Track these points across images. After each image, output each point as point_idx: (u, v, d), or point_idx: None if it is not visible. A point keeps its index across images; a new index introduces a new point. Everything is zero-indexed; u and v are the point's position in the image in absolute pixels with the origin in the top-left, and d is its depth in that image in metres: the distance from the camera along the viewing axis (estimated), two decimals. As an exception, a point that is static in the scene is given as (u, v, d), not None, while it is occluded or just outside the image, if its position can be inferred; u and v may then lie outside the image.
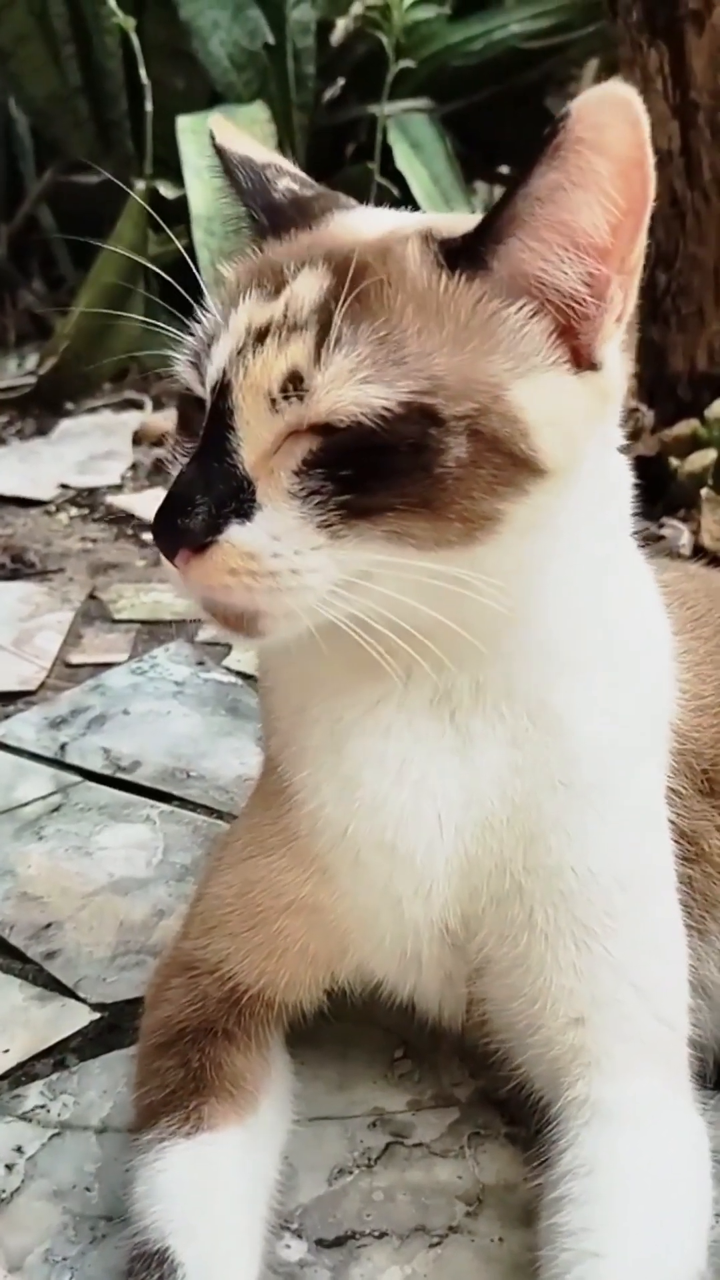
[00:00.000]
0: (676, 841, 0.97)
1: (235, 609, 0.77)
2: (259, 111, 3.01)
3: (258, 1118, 0.93)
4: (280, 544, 0.75)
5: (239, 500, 0.75)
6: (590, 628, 0.88)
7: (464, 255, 0.78)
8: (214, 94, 3.24)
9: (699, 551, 2.12)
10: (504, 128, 3.56)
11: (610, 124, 0.72)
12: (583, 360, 0.79)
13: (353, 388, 0.74)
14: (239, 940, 0.96)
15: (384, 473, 0.74)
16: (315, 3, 3.33)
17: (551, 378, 0.78)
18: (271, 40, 3.21)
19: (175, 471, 0.81)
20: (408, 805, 0.88)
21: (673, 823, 0.97)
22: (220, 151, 0.91)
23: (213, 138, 0.91)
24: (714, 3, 2.15)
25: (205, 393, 0.79)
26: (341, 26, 3.49)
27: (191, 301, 0.86)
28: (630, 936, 0.90)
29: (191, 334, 0.83)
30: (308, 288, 0.77)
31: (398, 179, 3.13)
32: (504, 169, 3.87)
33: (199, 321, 0.83)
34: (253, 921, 0.95)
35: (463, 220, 0.84)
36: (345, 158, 3.60)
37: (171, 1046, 0.95)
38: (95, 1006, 1.17)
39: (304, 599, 0.76)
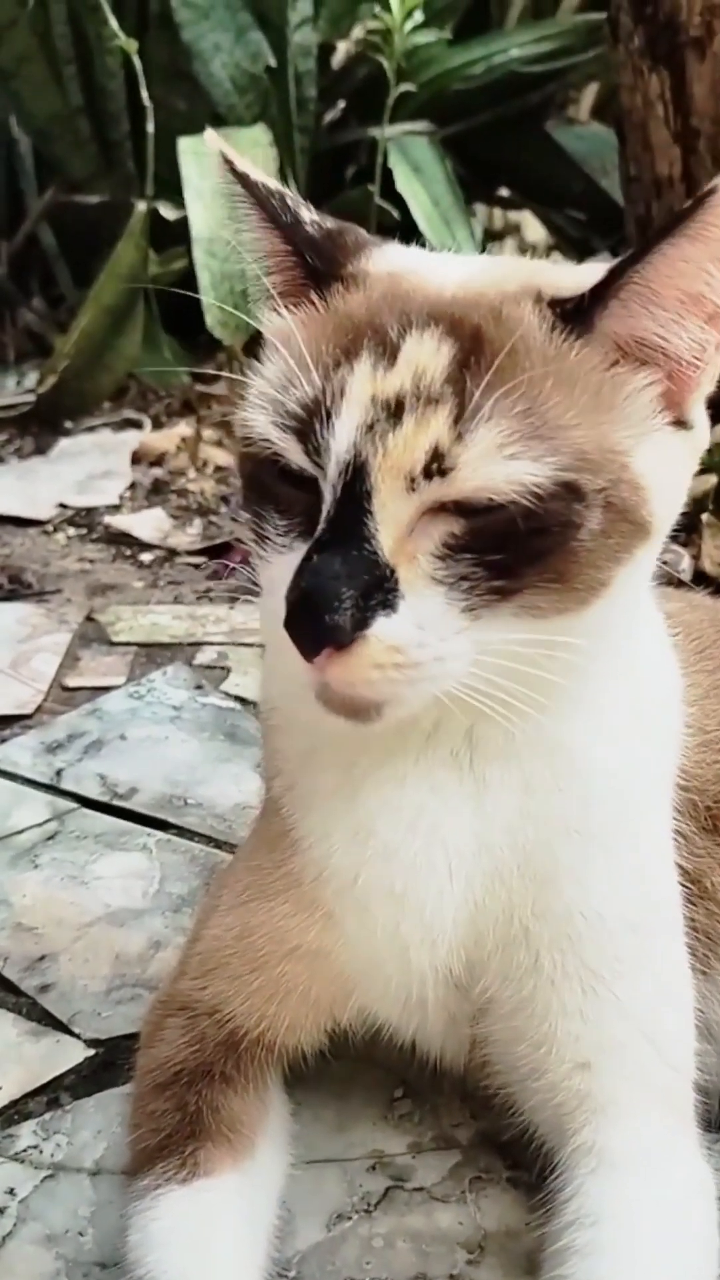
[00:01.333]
0: (680, 881, 0.96)
1: (366, 700, 0.75)
2: (261, 134, 3.01)
3: (255, 1162, 0.91)
4: (425, 633, 0.72)
5: (383, 591, 0.71)
6: (621, 672, 0.87)
7: (579, 318, 0.76)
8: (216, 116, 3.24)
9: (700, 577, 2.11)
10: (504, 151, 3.57)
11: None
12: (678, 419, 0.80)
13: (501, 464, 0.71)
14: (239, 983, 0.94)
15: (530, 552, 0.73)
16: (317, 26, 3.35)
17: (661, 440, 0.78)
18: (273, 63, 3.22)
19: (267, 554, 0.77)
20: (419, 855, 0.87)
21: (677, 862, 0.96)
22: (243, 179, 0.83)
23: (230, 164, 0.83)
24: (715, 30, 2.16)
25: (322, 471, 0.74)
26: (343, 50, 3.51)
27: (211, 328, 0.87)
28: (638, 980, 0.89)
29: (265, 395, 0.77)
30: (430, 355, 0.73)
31: (398, 201, 3.13)
32: (504, 191, 3.89)
33: (261, 377, 0.79)
34: (254, 965, 0.94)
35: (545, 272, 0.82)
36: (346, 180, 3.61)
37: (167, 1089, 0.93)
38: (90, 1043, 1.15)
39: (443, 684, 0.75)
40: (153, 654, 1.97)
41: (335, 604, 0.70)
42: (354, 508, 0.72)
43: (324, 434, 0.73)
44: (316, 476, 0.74)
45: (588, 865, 0.88)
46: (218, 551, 2.42)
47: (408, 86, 3.15)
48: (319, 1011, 0.96)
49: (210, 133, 0.86)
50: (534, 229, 3.98)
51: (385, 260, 0.84)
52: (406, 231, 3.20)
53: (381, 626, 0.71)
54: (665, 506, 0.79)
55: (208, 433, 3.01)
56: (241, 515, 0.82)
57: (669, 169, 2.23)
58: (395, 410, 0.72)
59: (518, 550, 0.72)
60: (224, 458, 2.93)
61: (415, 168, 3.29)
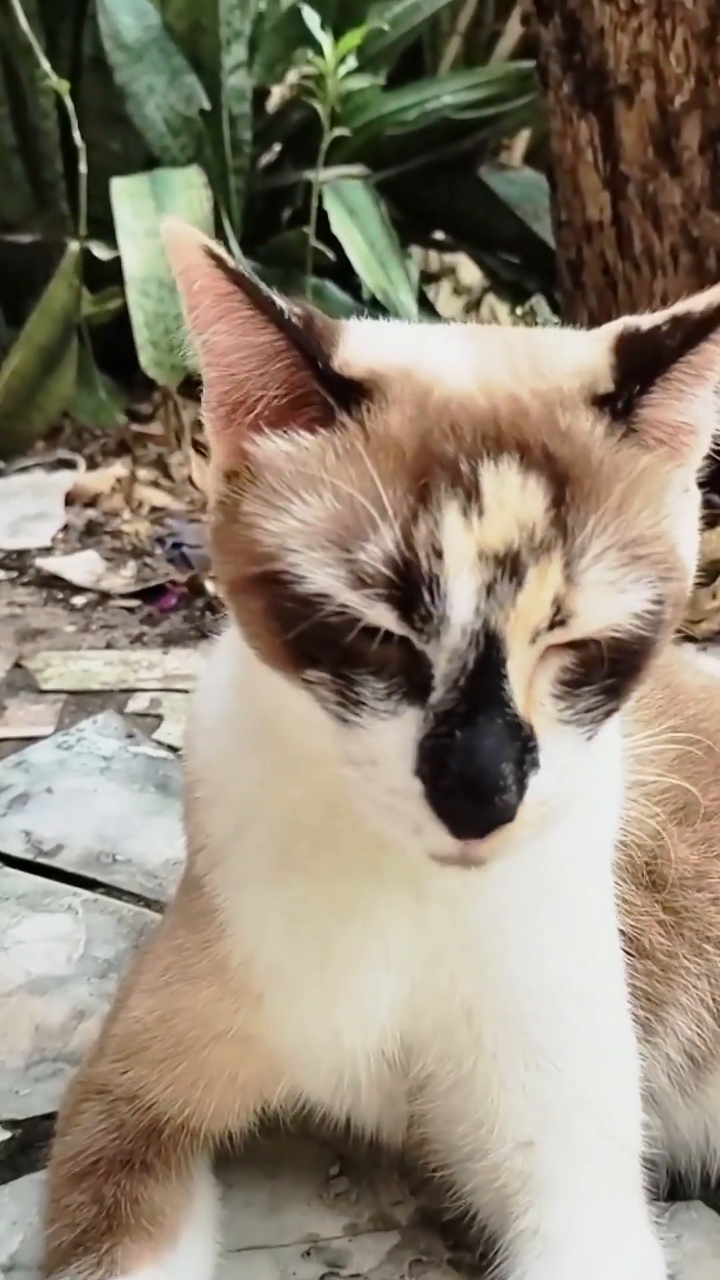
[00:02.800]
0: (621, 933, 0.92)
1: (504, 854, 0.69)
2: (195, 176, 3.00)
3: (177, 1255, 0.86)
4: (563, 777, 0.69)
5: (529, 751, 0.66)
6: None
7: (626, 413, 0.71)
8: (150, 157, 3.23)
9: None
10: (438, 195, 3.61)
11: None
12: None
13: (615, 600, 0.67)
14: (161, 1068, 0.89)
15: (633, 666, 0.70)
16: (251, 70, 3.36)
17: (687, 517, 0.75)
18: (207, 106, 3.22)
19: (360, 720, 0.67)
20: (355, 944, 0.83)
21: (618, 915, 0.93)
22: (236, 277, 0.69)
23: (216, 259, 0.69)
24: (643, 77, 2.19)
25: (424, 635, 0.66)
26: (278, 94, 3.53)
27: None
28: (582, 1051, 0.85)
29: (316, 542, 0.67)
30: (524, 495, 0.66)
31: (333, 243, 3.14)
32: (439, 234, 3.92)
33: (291, 516, 0.68)
34: (176, 1050, 0.88)
35: (542, 348, 0.75)
36: (282, 222, 3.62)
37: (83, 1180, 0.87)
38: (6, 1124, 1.08)
39: (564, 819, 0.72)
40: (83, 702, 1.91)
41: (502, 784, 0.64)
42: (488, 674, 0.66)
43: (434, 601, 0.65)
44: (411, 638, 0.66)
45: (537, 938, 0.84)
46: (152, 594, 2.37)
47: (342, 131, 3.17)
48: (246, 1096, 0.91)
49: (178, 224, 0.70)
50: (469, 271, 4.02)
51: (366, 348, 0.73)
52: (342, 272, 3.24)
53: (534, 789, 0.66)
54: (692, 572, 0.76)
55: (143, 473, 2.97)
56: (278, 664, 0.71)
57: (599, 214, 2.25)
58: (513, 567, 0.65)
59: (624, 668, 0.70)
60: (160, 498, 2.88)
61: (351, 210, 3.30)
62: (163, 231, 0.70)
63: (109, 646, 2.15)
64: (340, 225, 3.18)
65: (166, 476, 3.01)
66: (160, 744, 1.75)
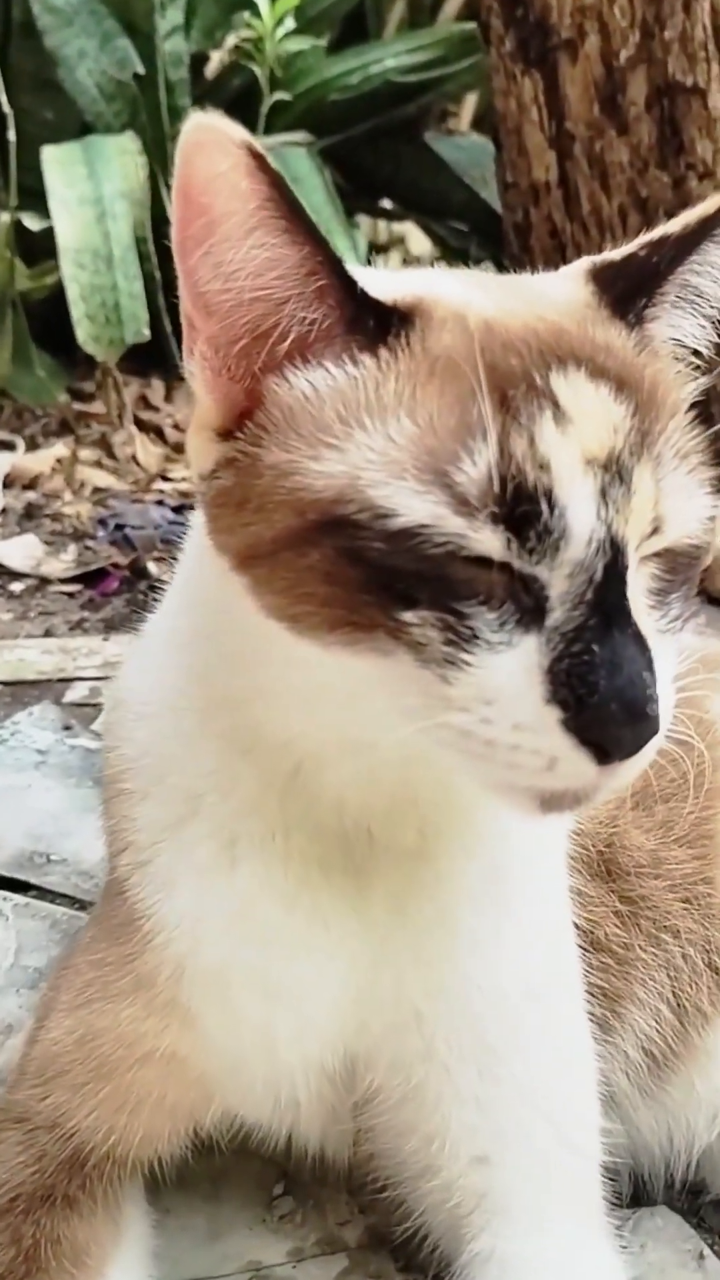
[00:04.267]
0: (575, 927, 0.87)
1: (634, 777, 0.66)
2: (129, 143, 2.90)
3: (105, 1296, 0.79)
4: (670, 693, 0.66)
5: (654, 664, 0.63)
6: None
7: (633, 328, 0.72)
8: (84, 124, 3.12)
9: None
10: (384, 162, 3.53)
11: None
12: None
13: (692, 506, 0.67)
14: (82, 1094, 0.82)
15: (695, 576, 0.70)
16: (189, 35, 3.25)
17: None
18: (141, 70, 3.11)
19: (471, 656, 0.62)
20: (298, 938, 0.77)
21: (573, 907, 0.87)
22: (280, 185, 0.63)
23: (257, 156, 0.62)
24: (587, 32, 2.12)
25: (537, 555, 0.62)
26: (216, 59, 3.43)
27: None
28: (539, 1057, 0.80)
29: (401, 468, 0.61)
30: (605, 403, 0.64)
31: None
32: (386, 204, 3.84)
33: (364, 447, 0.62)
34: (99, 1073, 0.82)
35: (536, 282, 0.76)
36: (224, 191, 3.51)
37: (1, 1219, 0.80)
38: None
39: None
40: (19, 693, 1.83)
41: (650, 693, 0.61)
42: (615, 585, 0.63)
43: (552, 515, 0.61)
44: (513, 561, 0.62)
45: (490, 934, 0.79)
46: (93, 578, 2.29)
47: (282, 95, 3.09)
48: (176, 1119, 0.84)
49: (211, 117, 0.62)
50: (418, 241, 3.94)
51: (373, 283, 0.68)
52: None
53: (663, 703, 0.63)
54: None
55: (85, 453, 2.87)
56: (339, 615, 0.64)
57: (545, 174, 2.19)
58: (619, 470, 0.63)
59: (691, 576, 0.70)
60: (103, 479, 2.80)
61: (294, 179, 3.21)
62: (188, 129, 0.62)
63: (47, 634, 2.07)
64: (283, 194, 3.10)
65: (110, 456, 2.92)
66: (99, 735, 1.67)
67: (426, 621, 0.62)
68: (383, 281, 0.69)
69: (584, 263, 0.75)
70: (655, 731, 0.62)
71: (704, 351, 0.75)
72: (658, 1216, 0.95)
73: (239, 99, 3.35)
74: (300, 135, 3.34)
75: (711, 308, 0.74)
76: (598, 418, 0.64)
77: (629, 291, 0.71)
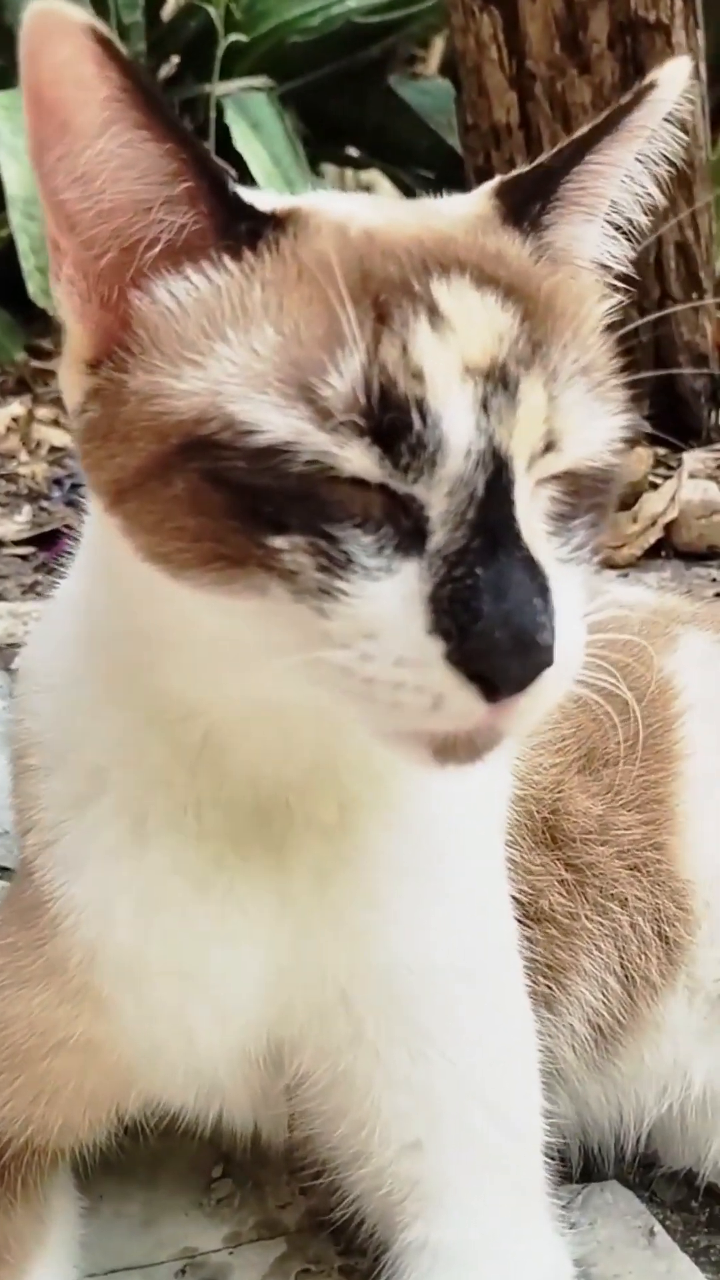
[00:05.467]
0: (516, 900, 0.84)
1: (510, 734, 0.60)
2: (79, 87, 2.79)
3: (29, 1290, 0.76)
4: (574, 628, 0.61)
5: (549, 592, 0.58)
6: None
7: (530, 234, 0.67)
8: (34, 70, 3.01)
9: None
10: (347, 107, 3.44)
11: (678, 95, 0.68)
12: None
13: (592, 427, 0.62)
14: None
15: (606, 503, 0.65)
16: (143, -24, 3.14)
17: None
18: (92, 13, 2.99)
19: (348, 585, 0.57)
20: (213, 920, 0.73)
21: (513, 880, 0.84)
22: (135, 76, 0.57)
23: (107, 44, 0.56)
24: (547, -35, 2.04)
25: (412, 474, 0.57)
26: (173, 3, 3.32)
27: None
28: (474, 1038, 0.76)
29: (263, 380, 0.57)
30: (484, 306, 0.60)
31: (237, 160, 2.96)
32: (352, 151, 3.74)
33: (223, 359, 0.58)
34: (12, 1062, 0.78)
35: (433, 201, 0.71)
36: (183, 139, 3.42)
37: None
38: None
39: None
40: (-36, 660, 1.77)
41: (541, 619, 0.56)
42: (500, 502, 0.58)
43: (425, 426, 0.56)
44: (387, 480, 0.57)
45: (418, 909, 0.75)
46: (48, 540, 2.22)
47: (238, 36, 2.99)
48: (96, 1107, 0.80)
49: (51, 2, 0.55)
50: (385, 190, 3.84)
51: (255, 196, 0.65)
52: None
53: (560, 635, 0.58)
54: None
55: (43, 411, 2.80)
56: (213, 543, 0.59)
57: (506, 116, 2.12)
58: (503, 379, 0.58)
59: (600, 502, 0.65)
60: (60, 438, 2.72)
61: (254, 125, 3.12)
62: (27, 18, 0.55)
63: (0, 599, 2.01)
64: (243, 140, 3.01)
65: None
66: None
67: (298, 547, 0.57)
68: (271, 200, 0.65)
69: (494, 181, 0.70)
70: (547, 663, 0.56)
71: (611, 265, 0.70)
72: (608, 1192, 0.92)
73: (196, 42, 3.25)
74: (260, 80, 3.25)
75: (616, 213, 0.69)
76: (481, 324, 0.59)
77: (525, 199, 0.67)
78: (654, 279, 2.24)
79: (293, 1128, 0.83)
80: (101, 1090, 0.79)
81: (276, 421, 0.56)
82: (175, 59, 3.46)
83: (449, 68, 3.77)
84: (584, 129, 0.68)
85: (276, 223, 0.61)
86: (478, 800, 0.80)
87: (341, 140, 3.66)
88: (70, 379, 0.64)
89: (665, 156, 0.69)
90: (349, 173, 3.98)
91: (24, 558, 2.19)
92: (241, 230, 0.61)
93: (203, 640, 0.62)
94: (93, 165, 0.59)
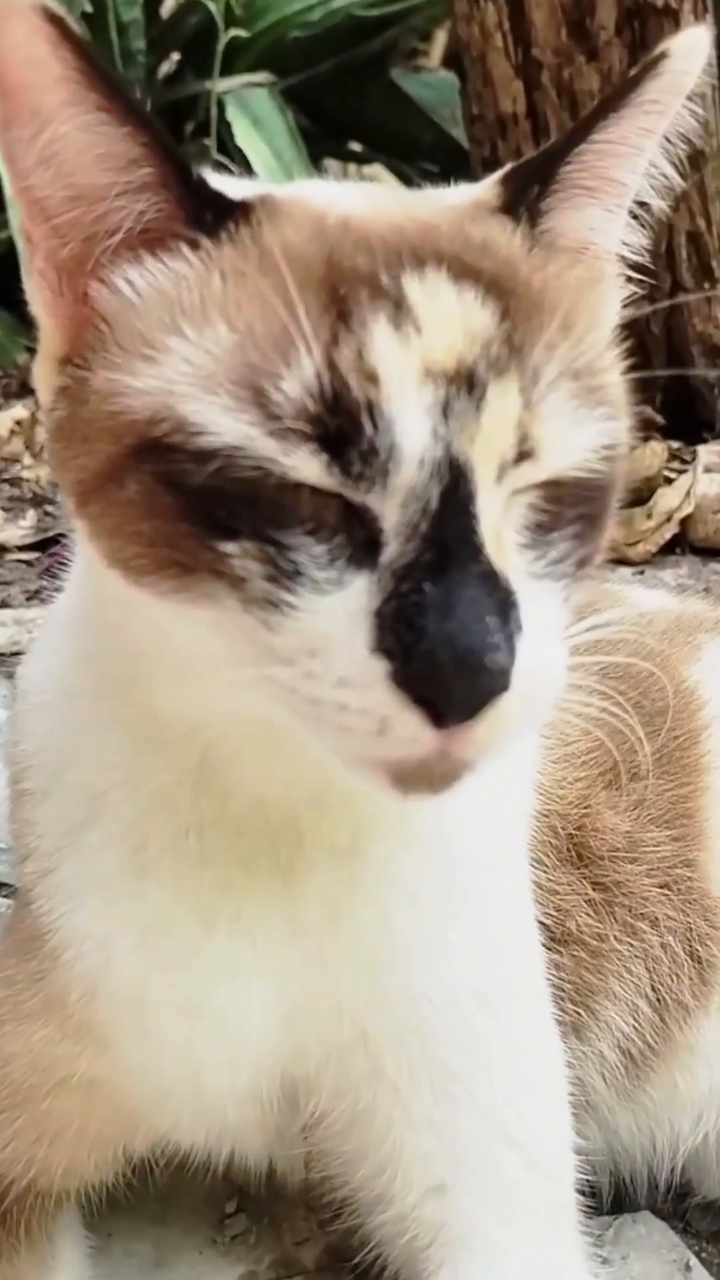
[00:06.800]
0: (542, 923, 0.80)
1: (478, 761, 0.56)
2: (77, 85, 2.76)
3: (34, 1341, 0.72)
4: (547, 648, 0.56)
5: (512, 607, 0.54)
6: None
7: (525, 222, 0.63)
8: (32, 68, 2.99)
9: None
10: (349, 101, 3.41)
11: (697, 69, 0.63)
12: None
13: (576, 434, 0.58)
14: None
15: (599, 514, 0.61)
16: (142, -27, 3.12)
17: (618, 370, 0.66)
18: (88, 7, 2.97)
19: (295, 598, 0.54)
20: (220, 953, 0.69)
21: (536, 901, 0.80)
22: (89, 57, 0.56)
23: (59, 23, 0.55)
24: (553, -50, 2.00)
25: (363, 483, 0.54)
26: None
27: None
28: (500, 1073, 0.73)
29: (213, 382, 0.54)
30: (459, 303, 0.56)
31: (239, 157, 2.93)
32: (355, 146, 3.71)
33: (177, 355, 0.55)
34: (12, 1101, 0.75)
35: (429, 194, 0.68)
36: (184, 137, 3.39)
37: None
38: None
39: (549, 712, 0.59)
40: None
41: (492, 640, 0.52)
42: (456, 514, 0.54)
43: (376, 432, 0.53)
44: (340, 489, 0.54)
45: (438, 937, 0.72)
46: (52, 545, 2.20)
47: (239, 32, 2.96)
48: (102, 1148, 0.77)
49: None
50: (388, 184, 3.81)
51: (233, 186, 0.63)
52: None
53: (523, 654, 0.54)
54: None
55: (45, 416, 2.77)
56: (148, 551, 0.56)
57: (512, 105, 2.08)
58: (469, 382, 0.54)
59: (589, 513, 0.60)
60: (65, 442, 2.70)
61: (255, 121, 3.09)
62: None
63: (3, 605, 1.98)
64: (245, 137, 2.98)
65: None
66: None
67: (248, 553, 0.54)
68: (246, 187, 0.63)
69: (504, 169, 0.66)
70: (499, 687, 0.52)
71: (624, 253, 0.65)
72: (640, 1224, 0.88)
73: (196, 38, 3.23)
74: (261, 76, 3.22)
75: (627, 197, 0.64)
76: (452, 323, 0.55)
77: (525, 184, 0.62)
78: (665, 269, 2.19)
79: (310, 1167, 0.79)
80: (106, 1130, 0.76)
81: (225, 425, 0.53)
82: (175, 56, 3.45)
83: (452, 60, 3.73)
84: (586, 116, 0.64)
85: (243, 211, 0.58)
86: (499, 819, 0.76)
87: (344, 135, 3.63)
88: (42, 377, 0.62)
89: (682, 135, 0.65)
90: (352, 168, 3.95)
91: (28, 563, 2.16)
92: (204, 219, 0.58)
93: (174, 652, 0.59)
94: (52, 149, 0.57)
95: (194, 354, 0.55)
